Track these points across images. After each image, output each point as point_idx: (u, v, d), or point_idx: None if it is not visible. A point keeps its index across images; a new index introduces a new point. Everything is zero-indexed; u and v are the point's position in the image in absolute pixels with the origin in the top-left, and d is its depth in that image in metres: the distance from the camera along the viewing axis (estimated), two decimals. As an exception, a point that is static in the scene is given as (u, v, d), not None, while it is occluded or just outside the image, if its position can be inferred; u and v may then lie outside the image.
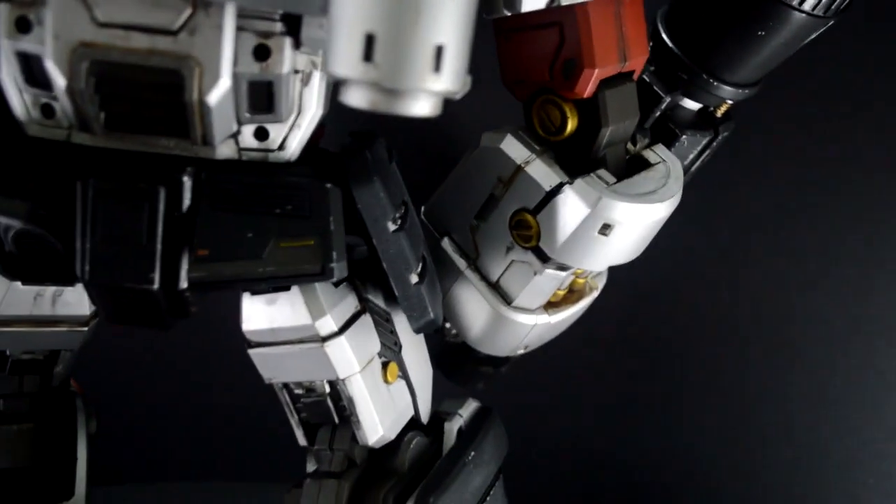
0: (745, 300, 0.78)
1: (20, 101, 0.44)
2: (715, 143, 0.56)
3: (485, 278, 0.54)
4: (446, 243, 0.55)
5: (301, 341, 0.48)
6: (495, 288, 0.54)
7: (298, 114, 0.45)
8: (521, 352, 0.58)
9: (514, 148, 0.50)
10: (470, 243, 0.54)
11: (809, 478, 0.78)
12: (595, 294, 0.58)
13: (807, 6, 0.47)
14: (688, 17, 0.52)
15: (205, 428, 0.89)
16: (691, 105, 0.55)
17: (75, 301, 0.50)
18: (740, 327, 0.79)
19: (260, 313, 0.49)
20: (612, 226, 0.48)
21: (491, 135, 0.52)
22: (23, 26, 0.40)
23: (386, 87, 0.34)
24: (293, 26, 0.41)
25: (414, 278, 0.48)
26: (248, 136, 0.45)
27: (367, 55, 0.33)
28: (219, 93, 0.40)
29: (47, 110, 0.44)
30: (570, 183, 0.48)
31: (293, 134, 0.46)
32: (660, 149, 0.52)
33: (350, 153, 0.47)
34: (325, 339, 0.48)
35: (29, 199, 0.41)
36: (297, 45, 0.42)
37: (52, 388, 0.55)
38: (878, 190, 0.72)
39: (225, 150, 0.45)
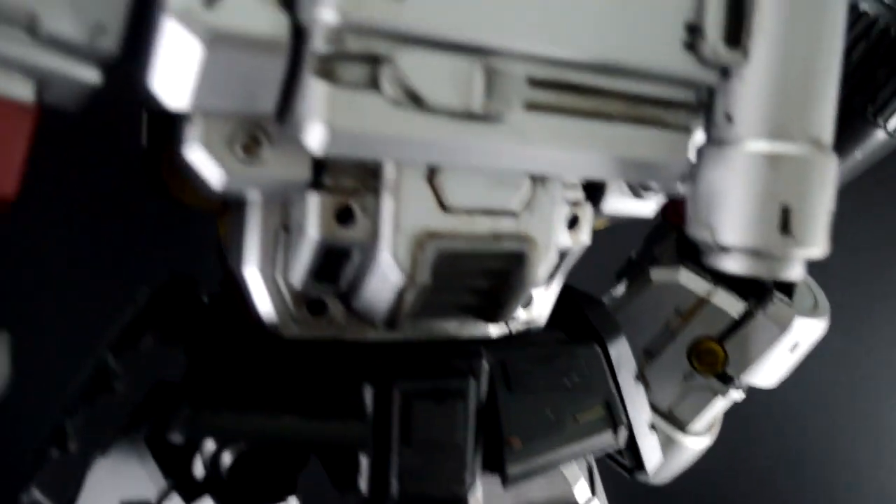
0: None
1: (278, 301, 0.37)
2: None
3: (656, 409, 0.54)
4: (612, 380, 0.55)
5: (556, 514, 0.45)
6: (668, 417, 0.55)
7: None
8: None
9: (692, 281, 0.52)
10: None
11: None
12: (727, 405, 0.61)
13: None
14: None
15: None
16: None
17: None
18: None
19: (508, 492, 0.45)
20: (799, 343, 0.51)
21: (661, 271, 0.53)
22: (345, 217, 0.34)
23: (793, 257, 0.34)
24: (594, 192, 0.40)
25: (649, 426, 0.48)
26: (519, 309, 0.42)
27: (785, 227, 0.34)
28: (546, 269, 0.37)
29: (317, 307, 0.38)
30: (762, 309, 0.51)
31: (547, 299, 0.44)
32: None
33: (594, 308, 0.46)
34: (582, 506, 0.45)
35: (368, 422, 0.34)
36: (595, 212, 0.40)
37: None
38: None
39: (495, 328, 0.42)
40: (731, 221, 0.34)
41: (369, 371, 0.37)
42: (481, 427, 0.39)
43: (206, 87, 0.29)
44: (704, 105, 0.35)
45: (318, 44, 0.28)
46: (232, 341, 0.37)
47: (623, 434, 0.42)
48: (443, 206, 0.34)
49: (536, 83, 0.32)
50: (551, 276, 0.41)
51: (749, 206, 0.34)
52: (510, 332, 0.42)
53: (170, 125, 0.33)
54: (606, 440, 0.42)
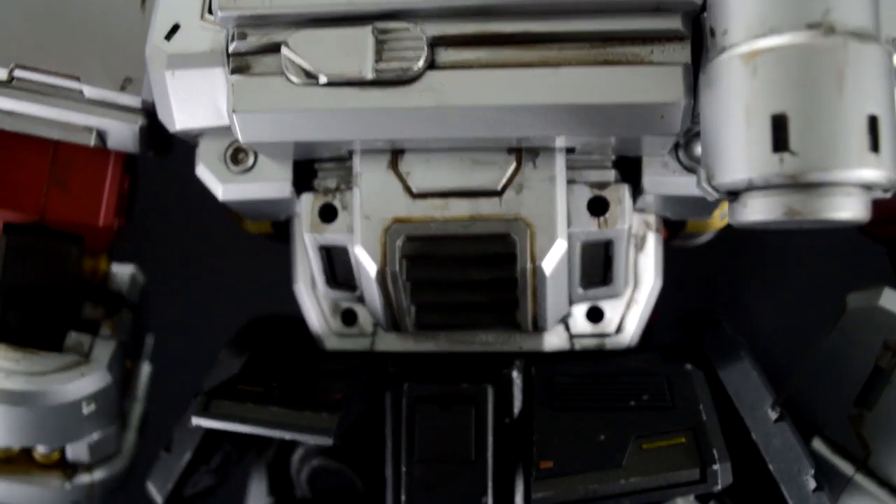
0: None
1: (318, 313, 0.39)
2: None
3: (884, 481, 0.40)
4: (819, 444, 0.42)
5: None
6: (905, 494, 0.40)
7: (634, 287, 0.37)
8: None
9: (899, 302, 0.39)
10: (852, 439, 0.41)
11: None
12: None
13: None
14: None
15: None
16: None
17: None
18: None
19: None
20: None
21: (859, 295, 0.41)
22: (327, 215, 0.35)
23: (806, 182, 0.25)
24: (630, 171, 0.34)
25: (812, 482, 0.36)
26: (579, 320, 0.37)
27: (779, 143, 0.25)
28: (555, 257, 0.33)
29: (349, 316, 0.39)
30: None
31: (631, 312, 0.38)
32: None
33: (707, 328, 0.38)
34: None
35: (338, 414, 0.33)
36: (636, 194, 0.34)
37: None
38: None
39: (553, 340, 0.37)
40: (721, 154, 0.27)
41: (390, 378, 0.36)
42: (512, 448, 0.34)
43: (182, 107, 0.34)
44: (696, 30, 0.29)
45: (231, 44, 0.31)
46: (283, 353, 0.39)
47: (720, 474, 0.33)
48: (410, 191, 0.33)
49: (447, 39, 0.30)
50: (606, 277, 0.36)
51: (732, 126, 0.27)
52: (572, 348, 0.37)
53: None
54: (687, 478, 0.33)
